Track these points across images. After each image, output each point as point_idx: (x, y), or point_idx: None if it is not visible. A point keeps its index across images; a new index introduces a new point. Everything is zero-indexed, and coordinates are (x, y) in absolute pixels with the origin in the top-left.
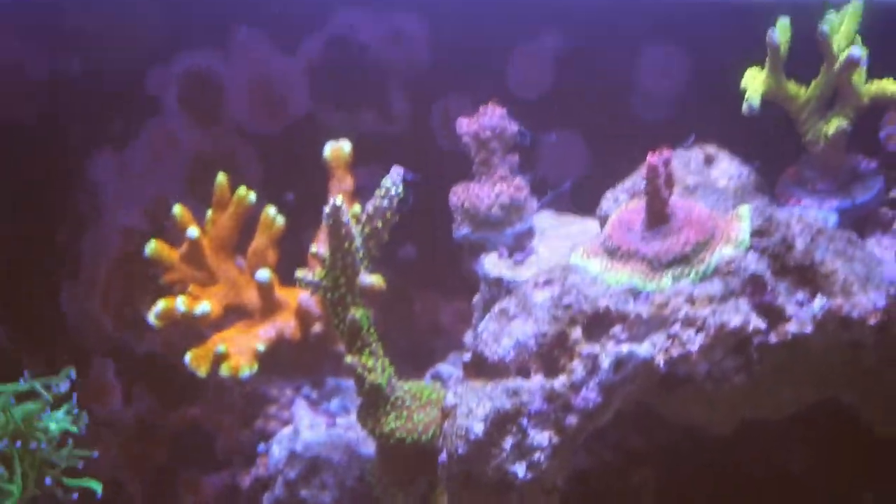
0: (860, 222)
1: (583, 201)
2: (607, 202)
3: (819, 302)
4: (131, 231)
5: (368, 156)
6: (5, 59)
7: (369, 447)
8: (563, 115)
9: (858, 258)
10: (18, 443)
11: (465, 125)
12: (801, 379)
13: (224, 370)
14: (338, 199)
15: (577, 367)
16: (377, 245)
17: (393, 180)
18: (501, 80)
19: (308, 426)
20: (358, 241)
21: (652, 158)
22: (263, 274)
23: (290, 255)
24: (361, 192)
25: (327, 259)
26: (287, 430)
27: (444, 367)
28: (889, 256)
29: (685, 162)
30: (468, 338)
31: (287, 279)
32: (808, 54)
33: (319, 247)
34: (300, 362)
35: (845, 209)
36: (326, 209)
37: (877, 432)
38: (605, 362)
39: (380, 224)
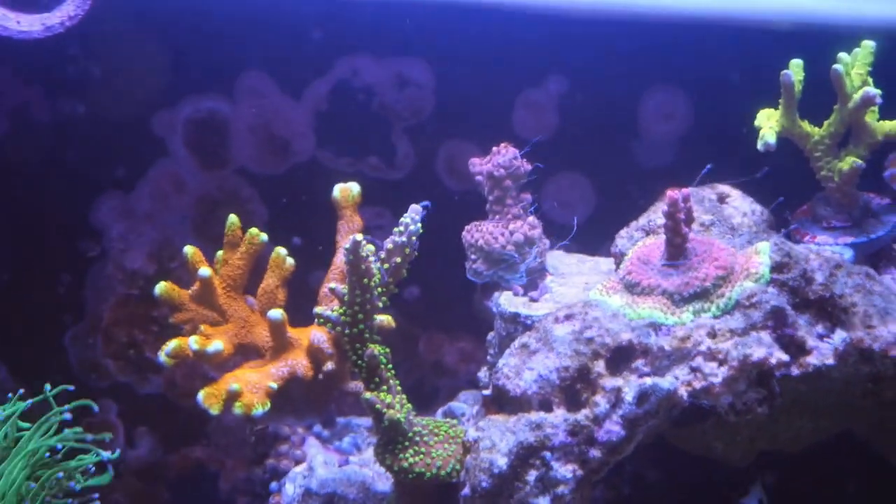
0: (874, 258)
1: (588, 241)
2: (622, 240)
3: (840, 335)
4: (135, 273)
5: (373, 198)
6: (10, 103)
7: (385, 484)
8: (567, 158)
9: (877, 292)
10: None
11: (478, 164)
12: (820, 411)
13: (237, 408)
14: (357, 235)
15: (601, 401)
16: (395, 281)
17: (412, 217)
18: (506, 125)
19: (322, 463)
20: (377, 278)
21: (672, 193)
22: (276, 313)
23: (296, 297)
24: (367, 233)
25: (346, 295)
26: (300, 468)
27: (455, 405)
28: None
29: (699, 200)
30: (483, 374)
31: (294, 321)
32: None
33: (336, 284)
34: (311, 401)
35: (860, 244)
36: (346, 245)
37: (892, 463)
38: (629, 395)
39: (398, 260)
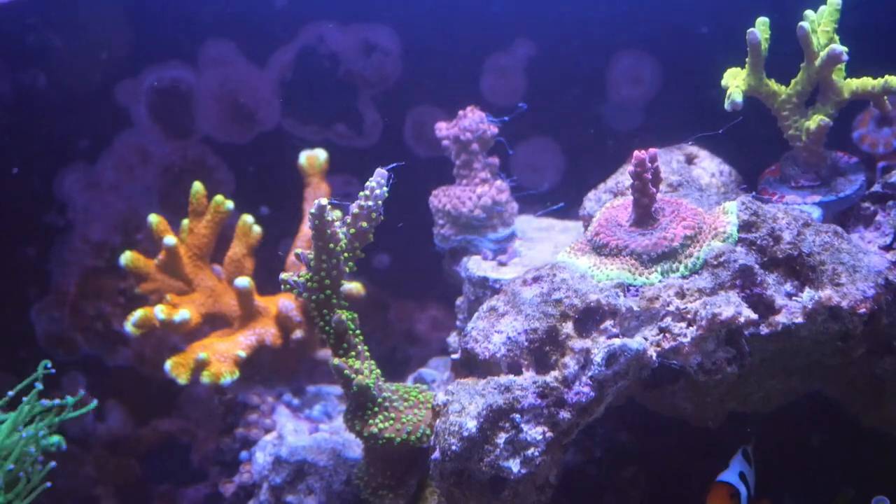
0: (842, 217)
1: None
2: (590, 202)
3: (808, 293)
4: (101, 245)
5: (341, 166)
6: None
7: (355, 451)
8: (536, 122)
9: (845, 250)
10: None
11: (444, 128)
12: (790, 371)
13: (205, 377)
14: (322, 200)
15: (570, 362)
16: (362, 246)
17: (377, 181)
18: (474, 90)
19: (292, 432)
20: (343, 243)
21: (639, 153)
22: (243, 281)
23: (264, 266)
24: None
25: (312, 261)
26: (270, 437)
27: (426, 372)
28: (873, 249)
29: (667, 161)
30: (453, 339)
31: (262, 289)
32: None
33: (303, 250)
34: (280, 369)
35: (829, 203)
36: (312, 210)
37: (862, 423)
38: (598, 356)
39: (364, 224)
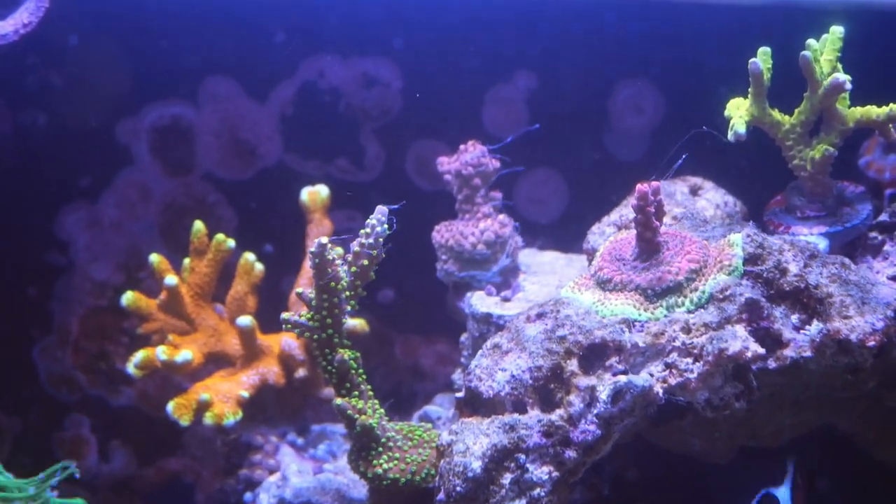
0: (850, 247)
1: (561, 238)
2: (594, 236)
3: (816, 326)
4: (103, 284)
5: (344, 201)
6: None
7: (360, 491)
8: (539, 154)
9: (853, 281)
10: None
11: (446, 163)
12: (799, 405)
13: (208, 418)
14: (323, 238)
15: (575, 400)
16: (363, 284)
17: (378, 219)
18: (476, 122)
19: (296, 472)
20: (345, 281)
21: (642, 186)
22: (245, 320)
23: (267, 304)
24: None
25: (313, 300)
26: (274, 478)
27: (431, 409)
28: (882, 280)
29: (671, 193)
30: (457, 376)
31: (266, 327)
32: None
33: (304, 289)
34: (284, 409)
35: (835, 233)
36: (312, 249)
37: (875, 457)
38: (603, 394)
39: (366, 262)
